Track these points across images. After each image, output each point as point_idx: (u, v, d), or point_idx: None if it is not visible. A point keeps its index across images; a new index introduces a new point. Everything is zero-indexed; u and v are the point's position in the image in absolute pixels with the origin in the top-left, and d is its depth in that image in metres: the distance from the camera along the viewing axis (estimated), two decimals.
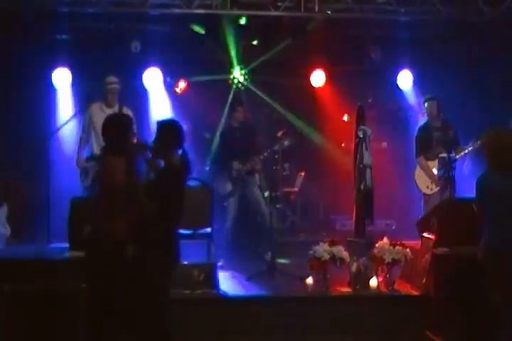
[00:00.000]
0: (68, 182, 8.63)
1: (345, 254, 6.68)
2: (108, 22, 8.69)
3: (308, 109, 9.86)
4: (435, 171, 8.20)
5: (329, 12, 8.45)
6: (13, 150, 9.01)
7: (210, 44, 9.19)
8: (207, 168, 9.32)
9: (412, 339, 6.31)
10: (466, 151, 7.96)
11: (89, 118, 8.15)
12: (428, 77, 9.57)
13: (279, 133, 9.07)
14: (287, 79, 9.52)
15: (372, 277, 6.71)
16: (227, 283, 7.06)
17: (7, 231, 7.75)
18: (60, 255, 7.02)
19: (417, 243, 7.13)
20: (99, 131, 7.52)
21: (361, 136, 7.31)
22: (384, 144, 9.65)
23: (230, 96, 9.59)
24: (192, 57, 9.18)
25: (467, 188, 6.79)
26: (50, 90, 9.19)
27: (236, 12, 8.51)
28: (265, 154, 8.33)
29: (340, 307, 6.52)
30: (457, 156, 7.97)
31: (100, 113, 8.00)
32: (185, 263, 6.39)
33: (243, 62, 9.61)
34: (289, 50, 9.38)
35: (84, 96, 9.04)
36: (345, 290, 6.80)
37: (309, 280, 6.65)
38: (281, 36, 9.30)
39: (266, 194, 8.84)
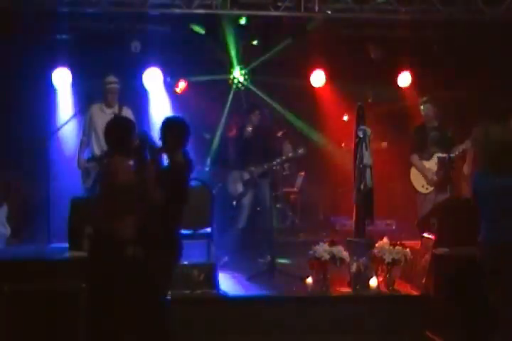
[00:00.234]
0: (68, 182, 8.64)
1: (345, 254, 6.68)
2: (108, 22, 8.68)
3: (308, 109, 9.86)
4: (430, 171, 8.24)
5: (329, 12, 8.44)
6: (13, 150, 9.01)
7: (210, 44, 9.19)
8: (206, 169, 9.33)
9: (412, 339, 6.31)
10: (461, 150, 7.99)
11: (90, 119, 8.15)
12: (428, 77, 9.57)
13: (279, 134, 9.08)
14: (287, 79, 9.52)
15: (372, 277, 6.71)
16: (227, 283, 7.06)
17: (7, 231, 7.75)
18: (60, 255, 7.02)
19: (417, 243, 7.13)
20: (100, 132, 7.58)
21: (361, 136, 7.31)
22: (384, 144, 9.65)
23: (230, 97, 9.60)
24: (192, 57, 9.18)
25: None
26: (50, 90, 9.18)
27: (236, 12, 8.50)
28: (278, 160, 8.32)
29: (340, 307, 6.52)
30: (452, 154, 7.99)
31: (100, 114, 8.02)
32: (185, 263, 6.40)
33: (243, 62, 9.61)
34: (289, 50, 9.38)
35: (84, 96, 9.04)
36: (345, 290, 6.80)
37: (309, 280, 6.65)
38: (281, 36, 9.30)
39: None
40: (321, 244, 6.73)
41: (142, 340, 5.36)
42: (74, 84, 9.17)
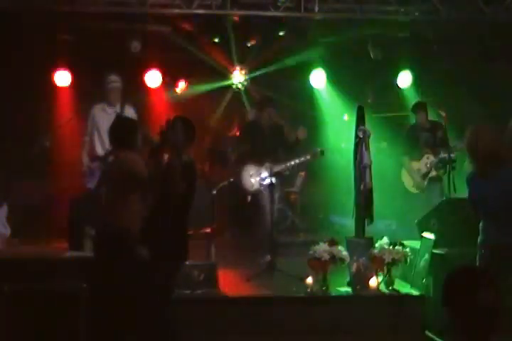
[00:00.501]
0: (68, 182, 8.65)
1: (345, 254, 6.68)
2: (108, 22, 8.68)
3: (308, 109, 9.86)
4: (419, 171, 8.35)
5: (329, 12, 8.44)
6: (14, 150, 9.02)
7: (210, 44, 9.18)
8: (206, 168, 9.33)
9: (412, 339, 6.31)
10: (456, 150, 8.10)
11: (92, 119, 8.09)
12: (428, 77, 9.57)
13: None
14: (287, 79, 9.51)
15: (372, 277, 6.71)
16: (227, 283, 7.06)
17: (7, 231, 7.75)
18: (60, 255, 7.02)
19: (417, 243, 7.13)
20: (103, 132, 7.56)
21: (361, 136, 7.31)
22: (384, 144, 9.65)
23: (228, 96, 9.60)
24: (192, 57, 9.18)
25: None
26: (50, 90, 9.18)
27: (236, 12, 8.50)
28: (297, 161, 8.29)
29: (340, 307, 6.52)
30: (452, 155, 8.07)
31: (102, 113, 7.99)
32: (186, 263, 6.39)
33: (243, 62, 9.61)
34: (289, 50, 9.38)
35: (85, 96, 9.03)
36: (345, 290, 6.80)
37: (309, 280, 6.65)
38: (281, 36, 9.29)
39: None
40: (321, 244, 6.72)
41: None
42: (74, 84, 9.17)
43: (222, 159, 9.41)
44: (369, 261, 6.78)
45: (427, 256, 6.75)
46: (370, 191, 7.23)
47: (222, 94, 9.68)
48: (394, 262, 6.71)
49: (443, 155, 8.27)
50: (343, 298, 6.71)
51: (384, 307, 6.52)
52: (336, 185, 9.75)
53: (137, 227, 5.50)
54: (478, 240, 5.25)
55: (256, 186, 8.20)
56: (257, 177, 8.19)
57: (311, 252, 6.68)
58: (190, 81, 9.60)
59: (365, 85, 9.53)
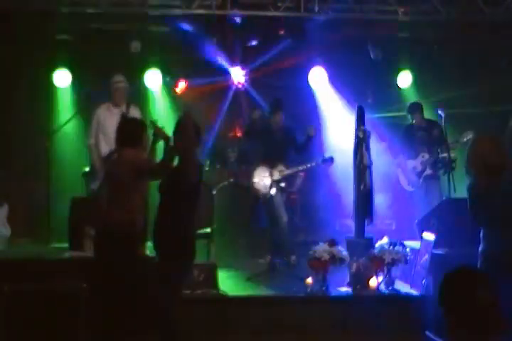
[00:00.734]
0: (68, 182, 8.65)
1: (345, 254, 6.68)
2: (108, 22, 8.68)
3: (308, 109, 9.85)
4: (414, 169, 8.54)
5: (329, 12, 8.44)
6: (14, 150, 9.02)
7: (210, 44, 9.18)
8: (206, 168, 9.31)
9: (412, 339, 6.31)
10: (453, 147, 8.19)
11: (97, 120, 8.07)
12: (428, 77, 9.57)
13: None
14: (287, 79, 9.51)
15: (372, 277, 6.71)
16: (227, 283, 7.06)
17: (7, 231, 7.75)
18: (60, 255, 7.02)
19: (417, 243, 7.13)
20: (109, 132, 7.53)
21: (361, 136, 7.32)
22: (384, 144, 9.66)
23: (229, 96, 9.59)
24: (192, 57, 9.17)
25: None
26: (50, 90, 9.18)
27: (236, 12, 8.49)
28: (308, 165, 8.31)
29: (340, 307, 6.52)
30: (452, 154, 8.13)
31: (108, 113, 7.98)
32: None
33: (243, 62, 9.60)
34: (289, 50, 9.37)
35: (84, 96, 9.03)
36: (345, 290, 6.80)
37: (309, 280, 6.65)
38: (281, 36, 9.28)
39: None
40: (321, 244, 6.73)
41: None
42: (74, 84, 9.17)
43: (222, 159, 9.40)
44: (369, 261, 6.78)
45: (426, 256, 6.75)
46: (370, 191, 7.23)
47: (222, 94, 9.66)
48: (394, 262, 6.72)
49: (442, 155, 8.30)
50: (343, 298, 6.71)
51: (384, 307, 6.52)
52: (336, 185, 9.75)
53: (140, 227, 5.52)
54: (480, 249, 5.24)
55: (269, 188, 8.18)
56: (270, 180, 8.18)
57: (311, 252, 6.68)
58: (190, 81, 9.58)
59: (365, 85, 9.52)
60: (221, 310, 6.40)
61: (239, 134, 9.69)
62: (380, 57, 9.32)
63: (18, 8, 8.00)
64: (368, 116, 7.87)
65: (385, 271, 6.76)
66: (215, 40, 8.99)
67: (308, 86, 9.77)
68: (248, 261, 8.17)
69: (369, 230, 7.31)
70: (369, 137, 7.37)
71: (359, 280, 6.75)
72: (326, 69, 9.61)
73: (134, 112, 7.96)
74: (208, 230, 7.43)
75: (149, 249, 6.50)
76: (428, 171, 8.62)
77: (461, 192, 7.72)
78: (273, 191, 8.10)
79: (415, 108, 8.89)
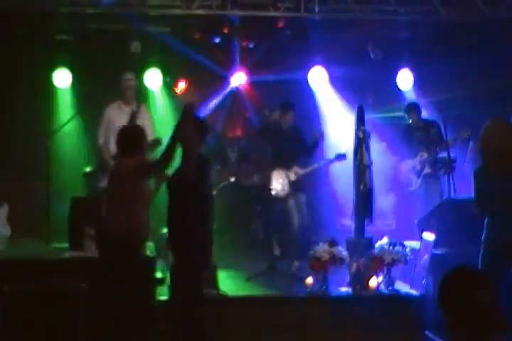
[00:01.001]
0: (68, 182, 8.64)
1: (345, 254, 6.69)
2: (108, 22, 8.68)
3: (308, 109, 9.84)
4: (413, 168, 8.61)
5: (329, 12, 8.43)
6: (14, 150, 9.01)
7: (210, 44, 9.17)
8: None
9: (412, 339, 6.31)
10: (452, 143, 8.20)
11: (107, 119, 8.04)
12: (428, 77, 9.56)
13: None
14: (287, 79, 9.51)
15: (372, 277, 6.72)
16: (227, 283, 7.06)
17: (7, 231, 7.75)
18: (60, 255, 7.02)
19: (416, 243, 7.13)
20: None
21: (361, 136, 7.32)
22: (384, 144, 9.66)
23: (229, 96, 9.59)
24: (192, 57, 9.17)
25: (466, 188, 6.80)
26: (50, 90, 9.18)
27: (236, 12, 8.49)
28: (322, 163, 8.30)
29: (340, 307, 6.52)
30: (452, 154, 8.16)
31: (118, 112, 7.97)
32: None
33: (243, 63, 9.60)
34: (289, 50, 9.37)
35: (84, 96, 9.03)
36: (345, 290, 6.80)
37: (309, 280, 6.66)
38: (281, 36, 9.28)
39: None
40: (321, 244, 6.73)
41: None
42: (74, 84, 9.17)
43: (222, 159, 9.39)
44: (369, 261, 6.78)
45: (426, 256, 6.75)
46: (370, 191, 7.24)
47: (222, 95, 9.66)
48: (394, 262, 6.72)
49: (441, 154, 8.31)
50: (343, 298, 6.71)
51: (384, 308, 6.52)
52: (335, 185, 9.75)
53: (144, 227, 5.51)
54: (483, 236, 5.24)
55: (286, 190, 8.14)
56: (286, 181, 8.15)
57: (311, 252, 6.68)
58: (190, 81, 9.58)
59: (365, 85, 9.52)
60: (221, 310, 6.40)
61: (239, 134, 9.69)
62: (380, 57, 9.32)
63: (18, 8, 7.99)
64: (368, 116, 7.87)
65: (385, 271, 6.76)
66: (215, 41, 8.99)
67: (308, 86, 9.77)
68: (248, 261, 8.16)
69: (369, 230, 7.31)
70: (369, 137, 7.37)
71: (359, 280, 6.75)
72: (326, 69, 9.61)
73: (144, 111, 7.97)
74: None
75: (149, 249, 6.53)
76: (427, 170, 8.62)
77: (461, 192, 7.75)
78: (289, 193, 8.08)
79: (411, 108, 8.91)
